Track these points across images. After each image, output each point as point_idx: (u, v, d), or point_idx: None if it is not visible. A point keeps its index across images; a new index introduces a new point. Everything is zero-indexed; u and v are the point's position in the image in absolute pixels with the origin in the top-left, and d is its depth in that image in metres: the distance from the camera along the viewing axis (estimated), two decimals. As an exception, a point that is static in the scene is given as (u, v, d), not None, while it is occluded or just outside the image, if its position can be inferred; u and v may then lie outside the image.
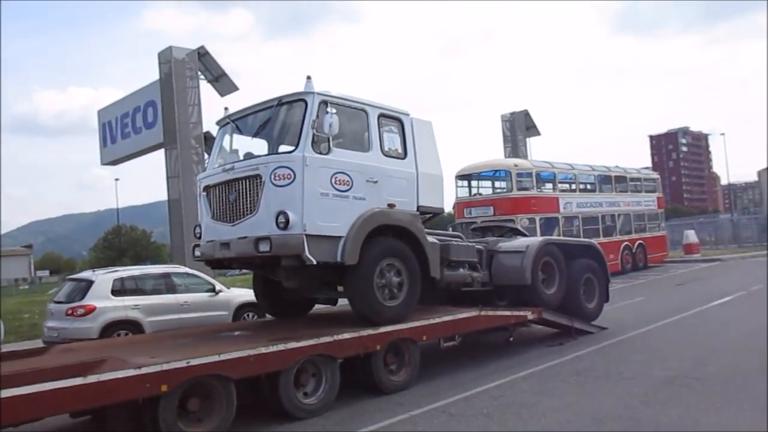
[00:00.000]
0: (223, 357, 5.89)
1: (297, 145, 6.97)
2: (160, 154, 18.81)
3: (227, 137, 8.17)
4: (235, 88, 18.87)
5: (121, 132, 20.35)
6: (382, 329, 7.32)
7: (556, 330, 10.34)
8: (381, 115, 7.92)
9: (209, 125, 18.86)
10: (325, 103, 7.16)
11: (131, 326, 10.55)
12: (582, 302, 10.51)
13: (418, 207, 8.18)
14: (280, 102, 7.45)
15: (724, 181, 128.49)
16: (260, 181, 6.91)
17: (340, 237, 7.12)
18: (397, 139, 8.12)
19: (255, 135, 8.00)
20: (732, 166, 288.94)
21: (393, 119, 8.12)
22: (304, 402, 6.59)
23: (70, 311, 10.24)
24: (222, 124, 8.28)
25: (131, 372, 5.30)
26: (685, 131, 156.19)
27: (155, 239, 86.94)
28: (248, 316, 12.24)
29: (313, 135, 6.94)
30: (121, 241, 78.51)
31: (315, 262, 6.81)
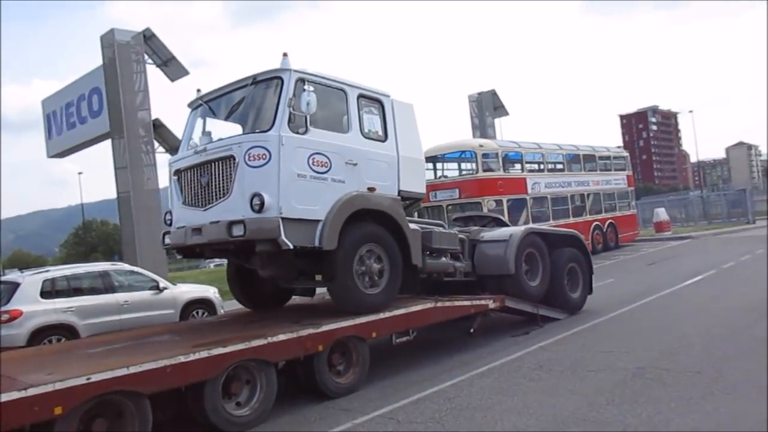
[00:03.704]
0: (133, 370, 5.12)
1: (273, 125, 6.59)
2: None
3: (199, 120, 7.73)
4: (186, 72, 17.86)
5: (66, 122, 19.15)
6: (324, 328, 6.62)
7: (522, 318, 9.76)
8: (361, 96, 7.61)
9: (158, 112, 17.89)
10: (302, 80, 6.80)
11: (64, 331, 9.78)
12: (567, 292, 10.17)
13: (399, 191, 7.86)
14: (255, 80, 7.06)
15: (693, 159, 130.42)
16: (234, 163, 6.56)
17: (318, 221, 6.76)
18: (378, 121, 7.81)
19: (228, 116, 7.53)
20: (700, 143, 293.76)
21: (373, 100, 7.81)
22: (235, 414, 5.87)
23: (-7, 317, 9.38)
24: (194, 106, 7.82)
25: (14, 395, 4.50)
26: (654, 110, 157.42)
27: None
28: (197, 314, 11.52)
29: (290, 114, 6.61)
30: (92, 236, 76.70)
31: (291, 247, 6.42)
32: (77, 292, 10.25)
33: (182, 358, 5.46)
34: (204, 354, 5.61)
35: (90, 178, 53.72)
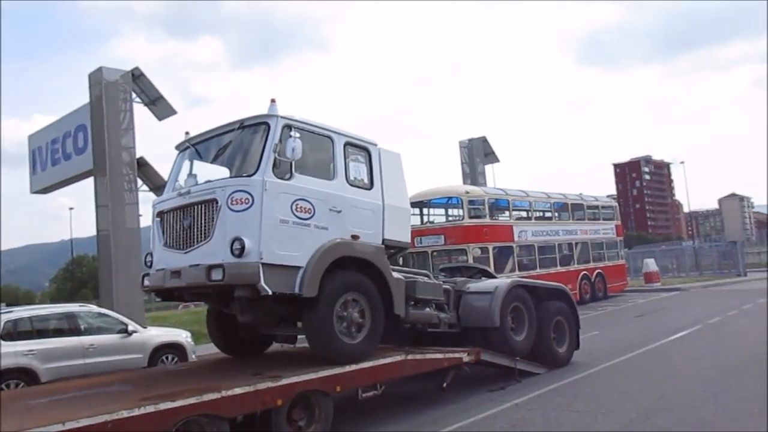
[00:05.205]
0: (69, 426, 4.77)
1: (257, 169, 6.56)
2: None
3: (186, 162, 7.75)
4: (173, 112, 17.84)
5: (51, 158, 18.99)
6: (284, 381, 6.31)
7: (501, 371, 9.42)
8: (347, 144, 7.63)
9: (144, 150, 17.79)
10: (288, 127, 6.82)
11: (24, 375, 9.38)
12: (554, 346, 9.97)
13: (383, 240, 7.80)
14: (242, 125, 7.10)
15: (686, 209, 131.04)
16: (216, 206, 6.51)
17: (299, 267, 6.67)
18: (364, 169, 7.82)
19: (215, 159, 7.51)
20: (692, 194, 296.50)
21: (360, 149, 7.85)
22: (182, 473, 5.51)
23: (-51, 361, 9.01)
24: (181, 148, 7.88)
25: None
26: (647, 160, 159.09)
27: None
28: (167, 359, 11.13)
29: (275, 159, 6.59)
30: (82, 271, 75.93)
31: (270, 293, 6.32)
32: (41, 334, 9.91)
33: (125, 413, 5.11)
34: (150, 409, 5.27)
35: (83, 213, 53.46)
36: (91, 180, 17.54)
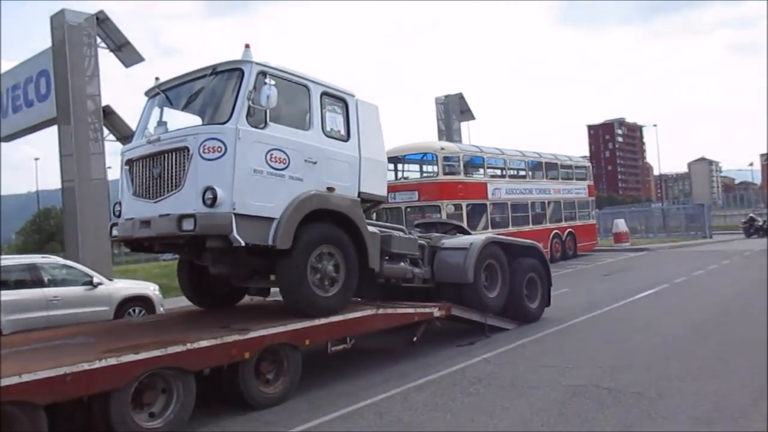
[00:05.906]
0: (26, 378, 4.62)
1: (230, 117, 6.38)
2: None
3: (156, 109, 7.45)
4: (141, 59, 17.14)
5: (12, 105, 18.17)
6: (252, 334, 6.21)
7: (471, 326, 9.47)
8: (324, 93, 7.44)
9: (111, 98, 17.17)
10: (263, 74, 6.61)
11: (-17, 327, 9.13)
12: (526, 302, 10.06)
13: (359, 193, 7.70)
14: (215, 71, 6.87)
15: (656, 172, 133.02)
16: (188, 154, 6.33)
17: (272, 219, 6.56)
18: (341, 120, 7.67)
19: (186, 106, 7.26)
20: (664, 157, 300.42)
21: (337, 99, 7.67)
22: (145, 426, 5.39)
23: None
24: (151, 94, 7.57)
25: None
26: (621, 122, 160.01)
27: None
28: (134, 312, 10.96)
29: (249, 107, 6.41)
30: (50, 224, 74.55)
31: (243, 244, 6.20)
32: (1, 285, 9.61)
33: (85, 366, 4.96)
34: (112, 361, 5.13)
35: (51, 163, 51.98)
36: (55, 129, 16.90)
